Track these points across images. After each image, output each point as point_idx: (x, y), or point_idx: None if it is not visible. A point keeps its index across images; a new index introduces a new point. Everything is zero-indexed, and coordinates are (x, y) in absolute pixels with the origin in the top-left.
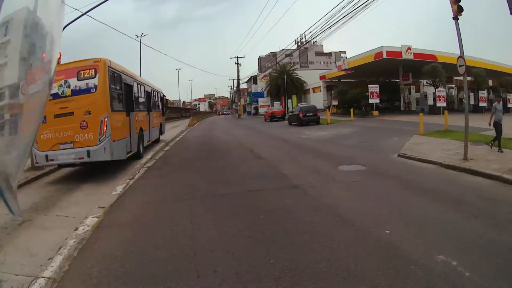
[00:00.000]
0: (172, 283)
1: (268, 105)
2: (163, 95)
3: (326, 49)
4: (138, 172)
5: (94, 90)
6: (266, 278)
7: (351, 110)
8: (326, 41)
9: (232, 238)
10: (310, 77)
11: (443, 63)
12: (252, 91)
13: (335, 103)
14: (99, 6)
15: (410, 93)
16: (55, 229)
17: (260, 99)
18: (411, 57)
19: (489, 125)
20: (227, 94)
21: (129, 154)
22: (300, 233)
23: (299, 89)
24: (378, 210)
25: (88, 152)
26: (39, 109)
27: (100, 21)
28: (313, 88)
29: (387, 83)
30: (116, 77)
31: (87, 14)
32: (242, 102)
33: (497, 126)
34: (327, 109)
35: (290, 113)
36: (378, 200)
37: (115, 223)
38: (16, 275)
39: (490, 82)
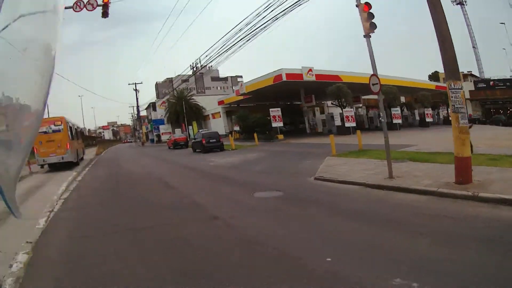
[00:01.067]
0: None
1: (170, 132)
2: (81, 129)
3: (222, 74)
4: (56, 204)
5: (61, 130)
6: None
7: (255, 134)
8: (222, 66)
9: (166, 277)
10: (208, 102)
11: (348, 83)
12: (152, 118)
13: (237, 128)
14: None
15: (314, 115)
16: None
17: (161, 126)
18: (313, 78)
19: None
20: (128, 121)
21: (77, 159)
22: (237, 268)
23: (198, 115)
24: (310, 238)
25: (63, 157)
26: (37, 122)
27: None
28: (212, 114)
29: (289, 106)
30: (68, 124)
31: None
32: (144, 129)
33: None
34: (230, 135)
35: (193, 140)
36: (306, 227)
37: (45, 260)
38: None
39: (403, 99)
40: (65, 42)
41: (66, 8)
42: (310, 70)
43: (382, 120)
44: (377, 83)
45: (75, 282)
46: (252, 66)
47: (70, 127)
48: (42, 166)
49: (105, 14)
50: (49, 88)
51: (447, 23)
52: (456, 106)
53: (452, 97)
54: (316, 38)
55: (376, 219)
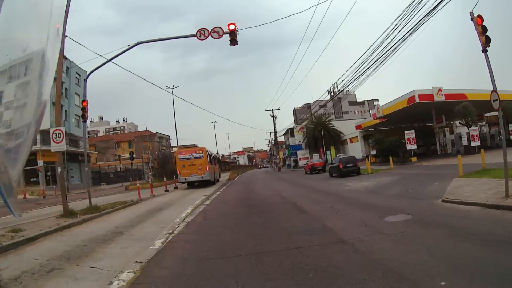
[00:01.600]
0: None
1: (308, 158)
2: (216, 155)
3: (359, 98)
4: (178, 226)
5: (202, 157)
6: None
7: (390, 158)
8: (359, 89)
9: None
10: (346, 127)
11: (473, 101)
12: (290, 144)
13: (373, 152)
14: (125, 54)
15: (445, 135)
16: (87, 281)
17: (298, 152)
18: (443, 98)
19: None
20: (265, 147)
21: (214, 180)
22: None
23: (336, 140)
24: (430, 261)
25: (202, 177)
26: (34, 128)
27: (127, 70)
28: (350, 138)
29: (422, 127)
30: (207, 152)
31: (112, 61)
32: (281, 155)
33: None
34: (367, 159)
35: (330, 165)
36: (428, 250)
37: (153, 280)
38: None
39: None
40: (196, 69)
41: (190, 36)
42: (440, 90)
43: (502, 137)
44: (497, 99)
45: None
46: (386, 88)
47: (209, 155)
48: (175, 187)
49: (233, 42)
50: (44, 90)
51: None
52: None
53: None
54: (439, 56)
55: (490, 240)
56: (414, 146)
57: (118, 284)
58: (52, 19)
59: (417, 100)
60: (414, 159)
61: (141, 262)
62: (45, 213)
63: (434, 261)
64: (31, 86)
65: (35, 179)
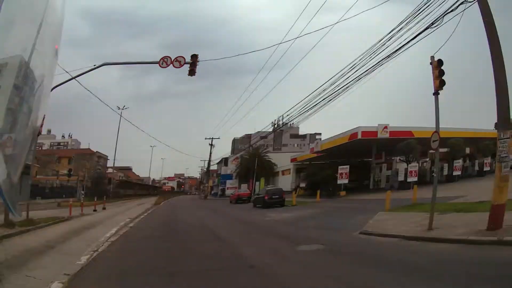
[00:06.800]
0: None
1: (236, 187)
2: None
3: (302, 131)
4: (102, 245)
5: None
6: None
7: (318, 191)
8: (303, 123)
9: None
10: (282, 159)
11: (419, 138)
12: (222, 173)
13: (303, 184)
14: (87, 73)
15: (380, 171)
16: None
17: (228, 181)
18: (387, 135)
19: None
20: (197, 174)
21: None
22: None
23: (268, 171)
24: (330, 284)
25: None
26: (25, 143)
27: (86, 88)
28: (282, 171)
29: (360, 163)
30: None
31: (76, 79)
32: (211, 183)
33: None
34: (294, 191)
35: (256, 196)
36: (331, 275)
37: None
38: None
39: (468, 150)
40: (149, 90)
41: (153, 63)
42: (386, 127)
43: (434, 175)
44: (437, 140)
45: None
46: (334, 122)
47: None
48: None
49: (192, 72)
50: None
51: (505, 74)
52: (501, 156)
53: (499, 147)
54: (392, 95)
55: (396, 266)
56: (346, 181)
57: None
58: (46, 40)
59: (360, 137)
60: (343, 193)
61: (68, 274)
62: None
63: (333, 284)
64: (27, 101)
65: None
